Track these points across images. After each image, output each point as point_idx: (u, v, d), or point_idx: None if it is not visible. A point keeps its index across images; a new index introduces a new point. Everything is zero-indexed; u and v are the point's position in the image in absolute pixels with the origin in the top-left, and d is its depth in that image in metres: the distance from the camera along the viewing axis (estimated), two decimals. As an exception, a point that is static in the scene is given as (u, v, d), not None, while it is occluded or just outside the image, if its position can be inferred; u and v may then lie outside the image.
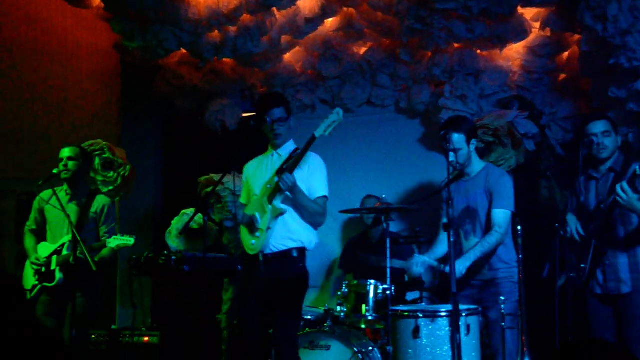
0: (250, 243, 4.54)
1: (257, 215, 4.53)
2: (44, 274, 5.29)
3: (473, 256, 4.41)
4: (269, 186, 4.52)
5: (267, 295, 4.46)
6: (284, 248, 4.49)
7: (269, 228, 4.47)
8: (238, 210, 4.79)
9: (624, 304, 4.45)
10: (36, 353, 2.72)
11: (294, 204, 4.49)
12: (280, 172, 4.47)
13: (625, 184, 4.13)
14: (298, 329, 4.72)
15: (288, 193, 4.42)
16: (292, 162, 4.45)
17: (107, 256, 5.40)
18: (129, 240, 5.19)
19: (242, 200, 4.84)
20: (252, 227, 4.56)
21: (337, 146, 6.63)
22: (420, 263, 4.62)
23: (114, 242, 5.19)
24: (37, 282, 5.29)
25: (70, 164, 5.41)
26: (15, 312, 2.77)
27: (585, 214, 4.54)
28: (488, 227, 4.52)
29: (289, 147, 4.68)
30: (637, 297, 4.41)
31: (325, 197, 4.59)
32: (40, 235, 5.49)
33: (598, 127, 4.53)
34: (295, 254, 4.51)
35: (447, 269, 4.14)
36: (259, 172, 4.70)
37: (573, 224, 4.48)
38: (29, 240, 5.51)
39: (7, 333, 2.66)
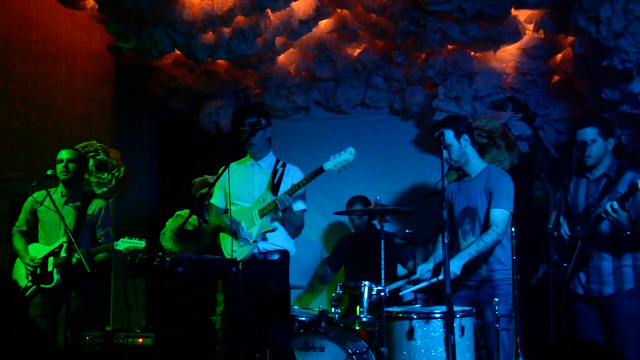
0: (233, 250, 4.66)
1: (244, 224, 4.64)
2: (39, 276, 5.29)
3: (468, 255, 4.41)
4: (262, 200, 4.65)
5: (254, 298, 4.63)
6: (270, 249, 4.75)
7: (255, 241, 4.69)
8: (210, 211, 4.90)
9: (606, 305, 4.48)
10: (31, 356, 2.71)
11: (282, 218, 4.75)
12: (274, 189, 4.70)
13: (615, 204, 4.16)
14: (289, 327, 4.93)
15: (279, 212, 4.69)
16: (295, 188, 4.66)
17: (106, 258, 5.44)
18: (140, 244, 5.21)
19: (215, 201, 4.90)
20: (235, 234, 4.70)
21: (330, 147, 6.62)
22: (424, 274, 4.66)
23: (123, 244, 5.20)
24: (30, 284, 5.28)
25: (70, 165, 5.45)
26: (15, 314, 2.75)
27: (573, 214, 4.56)
28: (487, 227, 4.51)
29: (270, 159, 4.89)
30: (619, 298, 4.45)
31: (304, 210, 4.88)
32: (30, 236, 5.49)
33: (584, 135, 4.55)
34: (278, 256, 4.76)
35: (441, 276, 4.17)
36: (240, 180, 4.84)
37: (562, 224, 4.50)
38: (19, 241, 5.51)
39: (7, 335, 2.65)
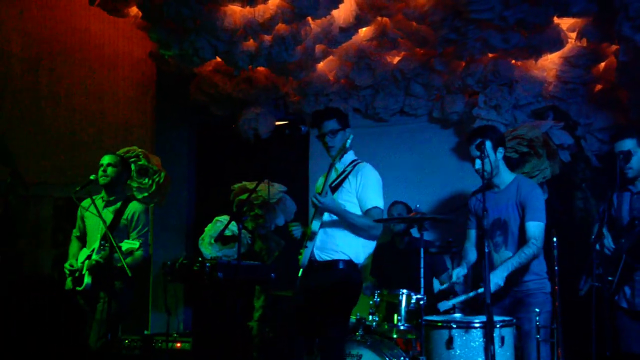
0: (298, 258, 4.61)
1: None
2: (76, 279, 5.39)
3: (511, 267, 4.36)
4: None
5: (312, 304, 4.48)
6: (329, 259, 4.54)
7: (305, 246, 4.56)
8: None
9: None
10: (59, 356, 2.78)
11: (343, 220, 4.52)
12: (330, 189, 4.52)
13: None
14: (344, 336, 4.66)
15: (331, 214, 4.50)
16: (325, 183, 4.50)
17: (134, 263, 5.47)
18: (134, 244, 5.21)
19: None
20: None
21: (369, 155, 6.62)
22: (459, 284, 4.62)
23: (125, 245, 5.24)
24: (71, 286, 5.40)
25: (110, 170, 5.53)
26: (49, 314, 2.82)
27: (617, 227, 4.49)
28: (520, 239, 4.48)
29: (346, 159, 4.69)
30: None
31: (376, 207, 4.56)
32: (83, 241, 5.60)
33: (622, 146, 4.49)
34: (341, 265, 4.53)
35: (482, 290, 4.13)
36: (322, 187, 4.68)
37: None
38: (71, 246, 5.65)
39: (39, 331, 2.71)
